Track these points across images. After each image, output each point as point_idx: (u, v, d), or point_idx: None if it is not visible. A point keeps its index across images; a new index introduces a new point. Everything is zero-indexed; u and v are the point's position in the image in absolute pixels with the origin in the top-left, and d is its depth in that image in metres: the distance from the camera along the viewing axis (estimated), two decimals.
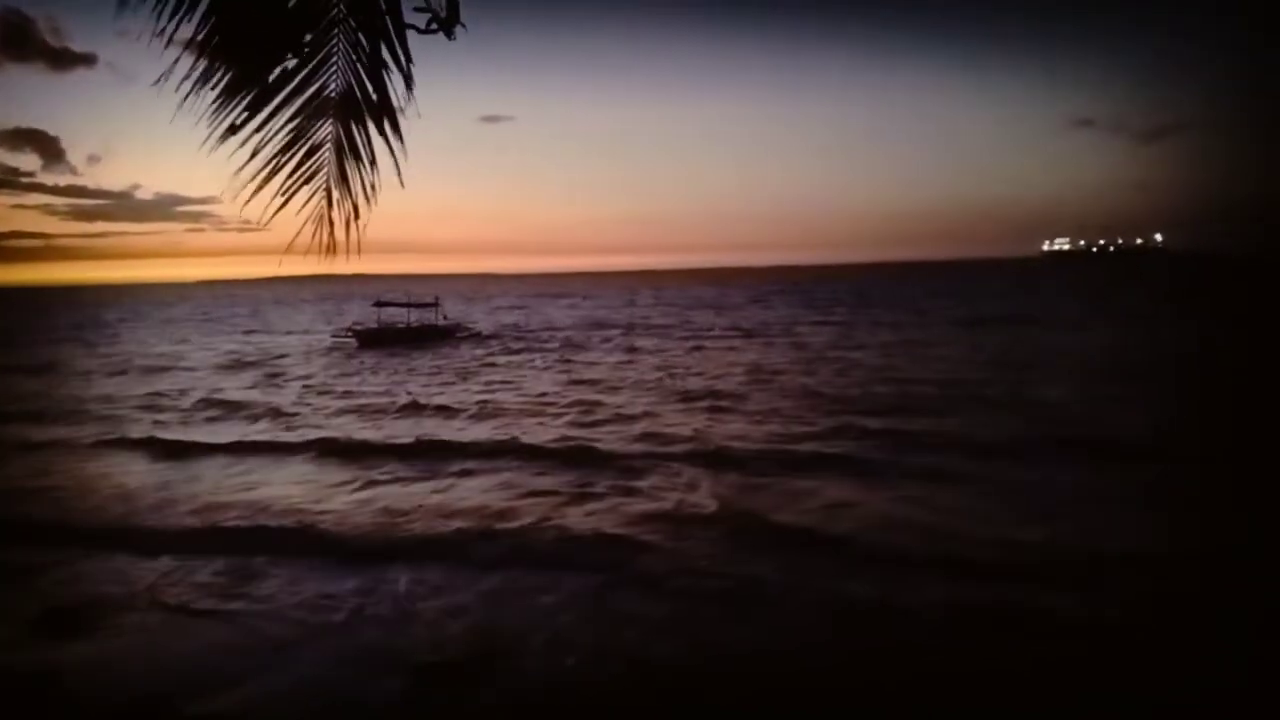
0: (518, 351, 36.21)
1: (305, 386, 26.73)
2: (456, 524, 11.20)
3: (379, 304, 44.24)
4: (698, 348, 35.57)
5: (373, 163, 2.79)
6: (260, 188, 2.68)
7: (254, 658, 7.54)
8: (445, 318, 45.79)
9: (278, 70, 2.60)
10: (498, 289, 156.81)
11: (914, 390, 21.48)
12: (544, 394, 23.56)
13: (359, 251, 2.85)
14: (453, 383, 26.57)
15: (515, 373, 28.94)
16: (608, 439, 16.68)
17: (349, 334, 42.01)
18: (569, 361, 32.06)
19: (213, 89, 2.52)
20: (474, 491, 13.04)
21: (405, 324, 43.17)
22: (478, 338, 43.82)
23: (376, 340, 40.53)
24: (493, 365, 31.59)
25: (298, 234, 2.80)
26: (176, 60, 2.44)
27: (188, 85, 2.47)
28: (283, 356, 37.52)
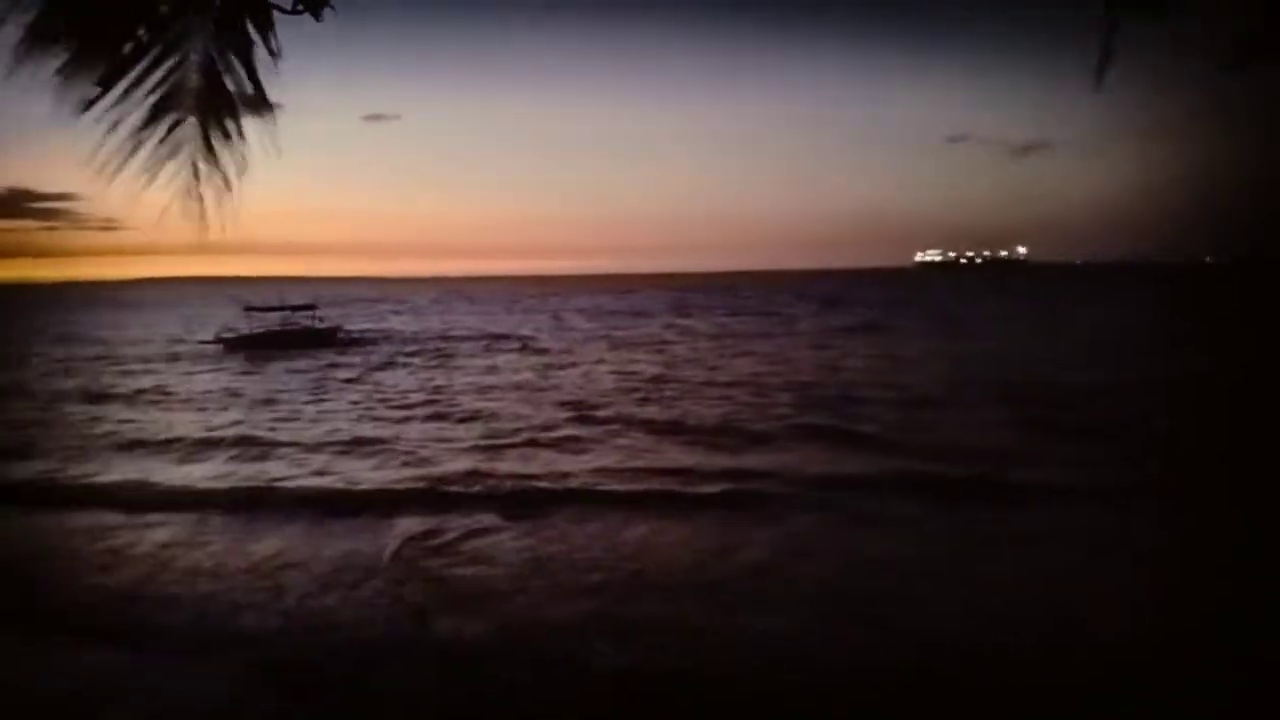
0: (380, 367, 33.39)
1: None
2: None
3: (250, 309, 42.39)
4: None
5: (240, 137, 2.79)
6: (121, 165, 2.60)
7: None
8: (320, 320, 44.37)
9: (130, 44, 2.52)
10: (386, 292, 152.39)
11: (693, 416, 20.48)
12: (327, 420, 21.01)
13: (233, 227, 2.83)
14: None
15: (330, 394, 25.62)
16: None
17: (218, 340, 40.16)
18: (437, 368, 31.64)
19: (60, 66, 2.38)
20: None
21: (278, 328, 41.49)
22: (356, 344, 42.51)
23: (246, 345, 38.94)
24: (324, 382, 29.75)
25: (165, 209, 2.76)
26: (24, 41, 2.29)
27: (35, 67, 2.31)
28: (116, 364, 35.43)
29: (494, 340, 43.21)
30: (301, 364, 32.52)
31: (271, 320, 42.26)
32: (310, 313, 43.93)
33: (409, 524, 11.82)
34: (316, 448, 17.40)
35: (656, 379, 26.60)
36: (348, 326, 47.77)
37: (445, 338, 45.36)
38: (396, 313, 77.81)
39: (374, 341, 43.89)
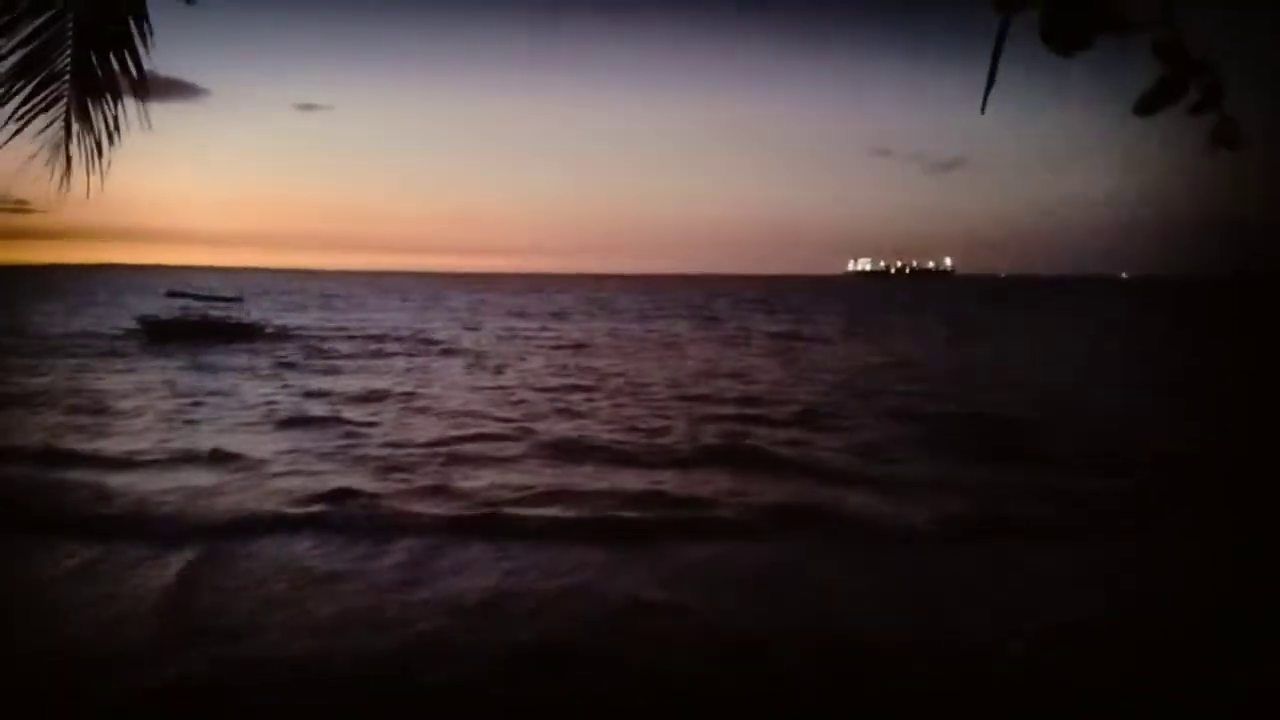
0: (290, 364, 31.15)
1: None
2: None
3: (172, 294, 41.05)
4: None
5: (116, 98, 2.79)
6: None
7: None
8: (246, 313, 43.20)
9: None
10: (314, 285, 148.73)
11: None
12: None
13: (100, 190, 2.82)
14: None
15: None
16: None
17: (140, 325, 38.87)
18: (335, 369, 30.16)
19: None
20: None
21: (199, 319, 40.22)
22: (278, 338, 41.37)
23: (167, 334, 37.77)
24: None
25: (31, 158, 2.74)
26: None
27: None
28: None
29: (415, 342, 41.17)
30: (213, 360, 30.99)
31: (193, 311, 40.96)
32: (233, 305, 42.75)
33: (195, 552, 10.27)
34: (141, 459, 15.17)
35: (567, 388, 24.97)
36: (276, 321, 46.48)
37: (369, 337, 43.77)
38: (328, 306, 75.91)
39: (300, 337, 42.68)
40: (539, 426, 18.56)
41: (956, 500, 12.50)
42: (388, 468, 14.68)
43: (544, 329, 50.38)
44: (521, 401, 22.30)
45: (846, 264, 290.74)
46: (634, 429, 18.45)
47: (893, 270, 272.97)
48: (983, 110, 2.13)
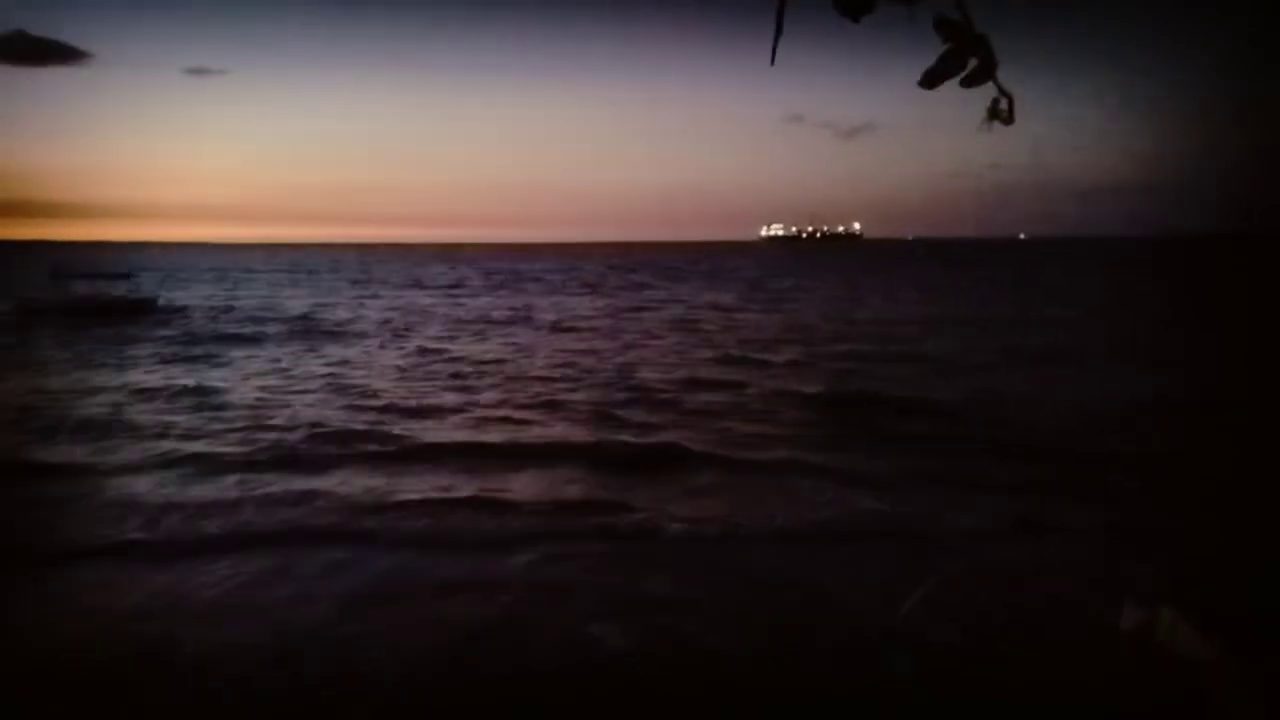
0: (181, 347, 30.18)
1: None
2: None
3: (56, 276, 39.05)
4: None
5: None
6: None
7: None
8: (135, 289, 41.50)
9: None
10: (213, 259, 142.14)
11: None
12: None
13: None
14: None
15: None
16: None
17: (19, 309, 36.85)
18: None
19: None
20: None
21: (88, 296, 38.40)
22: (173, 315, 39.78)
23: (46, 316, 35.97)
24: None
25: None
26: None
27: None
28: None
29: (302, 322, 38.11)
30: (87, 340, 29.74)
31: (80, 289, 39.08)
32: (121, 282, 40.99)
33: None
34: None
35: (451, 375, 22.86)
36: (167, 296, 44.65)
37: (261, 318, 41.44)
38: (222, 281, 72.93)
39: (191, 315, 41.06)
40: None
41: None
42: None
43: (442, 302, 49.75)
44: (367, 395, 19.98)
45: (760, 230, 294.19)
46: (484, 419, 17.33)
47: (804, 235, 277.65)
48: (772, 62, 2.22)
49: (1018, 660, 7.02)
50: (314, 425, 16.04)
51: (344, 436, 15.32)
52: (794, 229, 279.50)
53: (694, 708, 6.57)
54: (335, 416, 16.98)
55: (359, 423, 16.33)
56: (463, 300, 51.19)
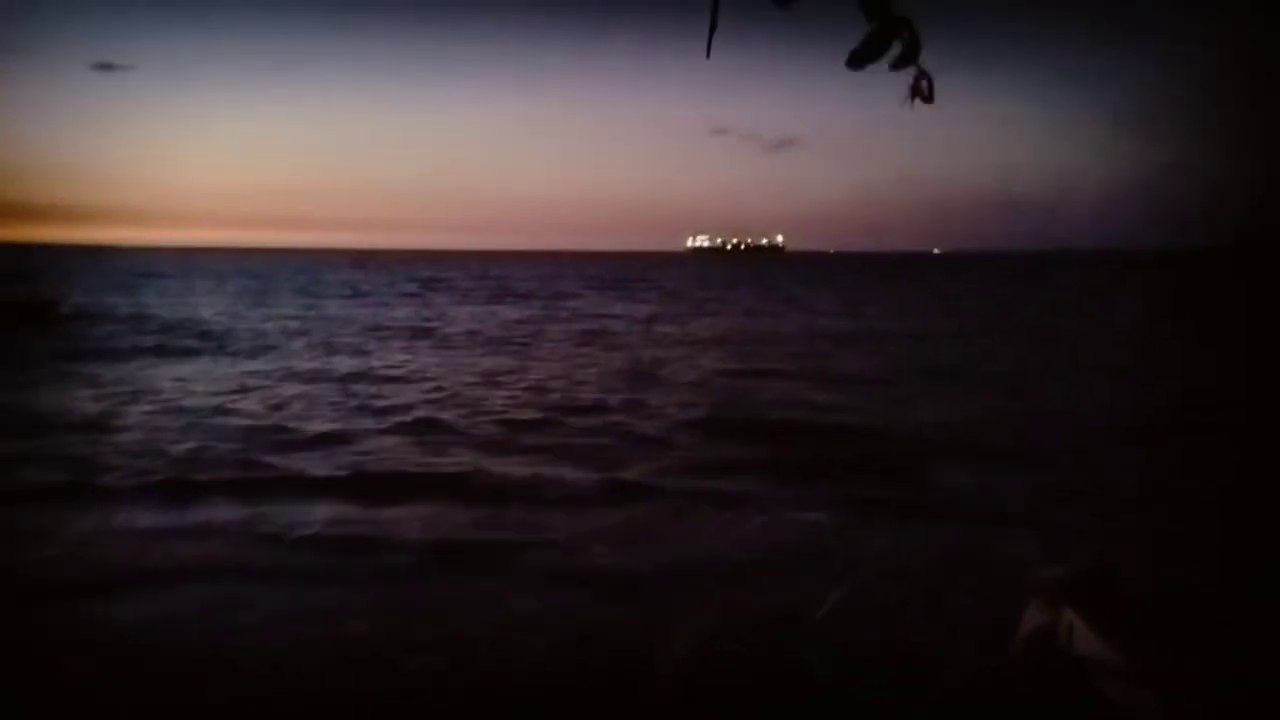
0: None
1: None
2: None
3: None
4: None
5: None
6: None
7: None
8: (36, 294, 38.92)
9: None
10: (121, 262, 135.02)
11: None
12: None
13: None
14: None
15: None
16: None
17: None
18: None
19: None
20: None
21: None
22: (79, 322, 36.96)
23: None
24: None
25: None
26: None
27: None
28: None
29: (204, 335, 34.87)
30: None
31: None
32: (18, 286, 38.30)
33: None
34: None
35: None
36: (74, 301, 41.57)
37: (176, 327, 39.23)
38: (130, 285, 68.91)
39: (100, 320, 38.25)
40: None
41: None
42: None
43: (347, 310, 47.82)
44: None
45: (686, 241, 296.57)
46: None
47: (729, 247, 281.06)
48: (708, 55, 2.21)
49: (923, 665, 7.00)
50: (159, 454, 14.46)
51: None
52: (719, 240, 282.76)
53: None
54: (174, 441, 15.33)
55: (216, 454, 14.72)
56: (365, 308, 49.16)
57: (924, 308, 51.79)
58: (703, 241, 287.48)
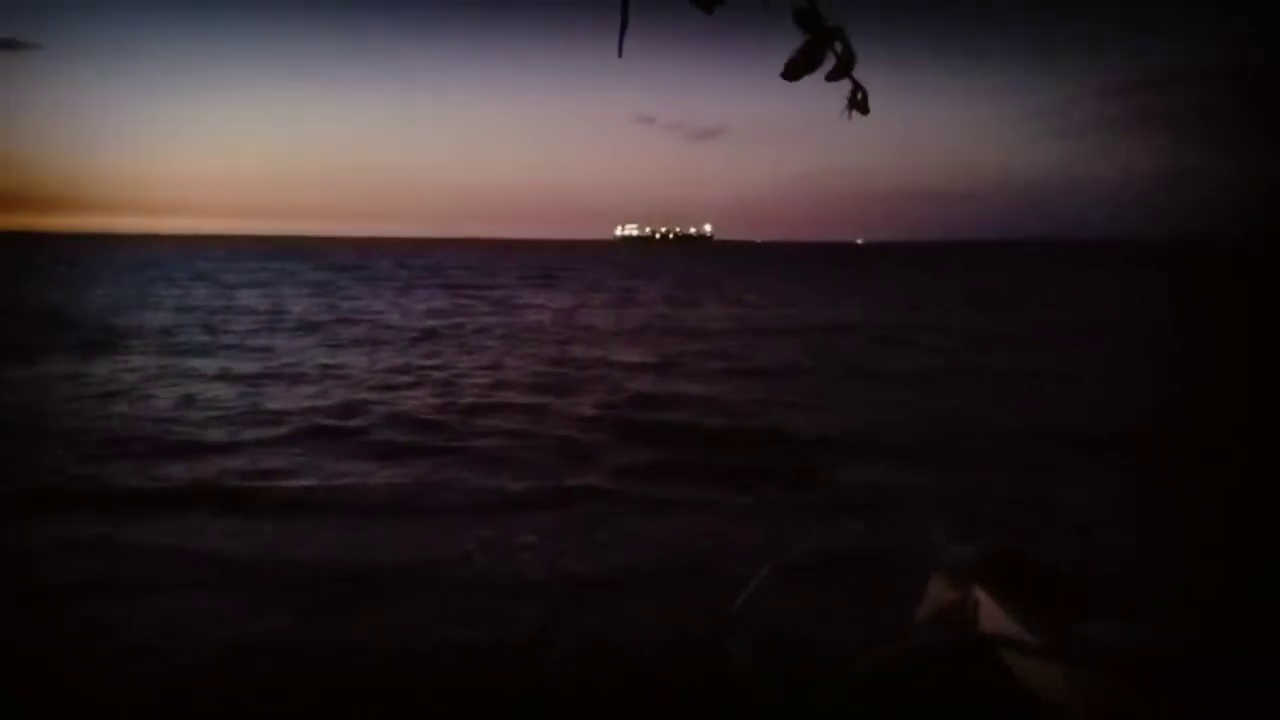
0: None
1: None
2: None
3: None
4: None
5: None
6: None
7: None
8: None
9: None
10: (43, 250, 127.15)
11: None
12: None
13: None
14: None
15: None
16: None
17: None
18: None
19: None
20: None
21: None
22: None
23: None
24: None
25: None
26: None
27: None
28: None
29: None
30: None
31: None
32: None
33: None
34: None
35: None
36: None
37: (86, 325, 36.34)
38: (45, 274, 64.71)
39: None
40: None
41: None
42: None
43: (245, 299, 45.37)
44: None
45: (615, 229, 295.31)
46: None
47: (658, 235, 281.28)
48: (619, 54, 2.21)
49: (835, 646, 6.75)
50: None
51: None
52: (648, 229, 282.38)
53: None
54: None
55: None
56: (264, 298, 46.60)
57: (845, 298, 52.07)
58: (632, 230, 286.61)
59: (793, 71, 2.28)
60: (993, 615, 6.76)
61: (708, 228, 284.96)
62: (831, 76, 2.31)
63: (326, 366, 22.87)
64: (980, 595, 6.99)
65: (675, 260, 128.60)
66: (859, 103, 2.34)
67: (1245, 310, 41.24)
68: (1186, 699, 5.08)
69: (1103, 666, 5.55)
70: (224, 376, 20.70)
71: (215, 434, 14.80)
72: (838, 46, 2.28)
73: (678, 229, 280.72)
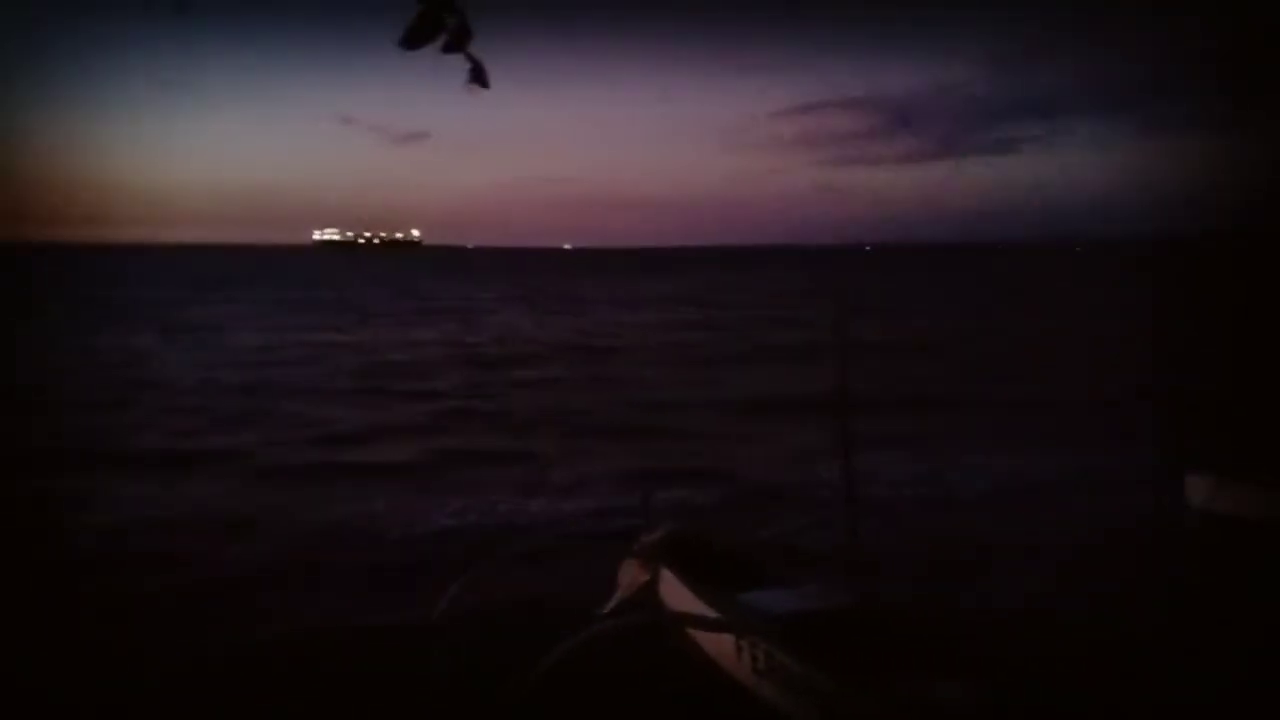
0: None
1: None
2: None
3: None
4: None
5: None
6: None
7: None
8: None
9: None
10: None
11: None
12: None
13: None
14: None
15: None
16: None
17: None
18: None
19: None
20: None
21: None
22: None
23: None
24: None
25: None
26: None
27: None
28: None
29: None
30: None
31: None
32: None
33: None
34: None
35: None
36: None
37: None
38: None
39: None
40: None
41: None
42: None
43: None
44: None
45: (312, 234, 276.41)
46: None
47: (361, 241, 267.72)
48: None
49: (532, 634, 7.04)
50: None
51: None
52: (350, 234, 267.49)
53: None
54: None
55: None
56: None
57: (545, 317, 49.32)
58: (332, 235, 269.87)
59: (409, 41, 2.32)
60: (677, 593, 7.13)
61: (416, 233, 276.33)
62: (447, 49, 2.37)
63: None
64: (666, 575, 7.35)
65: (381, 266, 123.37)
66: (481, 76, 2.43)
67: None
68: (837, 650, 5.62)
69: (769, 632, 6.04)
70: None
71: None
72: (452, 22, 2.34)
73: (384, 234, 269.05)
